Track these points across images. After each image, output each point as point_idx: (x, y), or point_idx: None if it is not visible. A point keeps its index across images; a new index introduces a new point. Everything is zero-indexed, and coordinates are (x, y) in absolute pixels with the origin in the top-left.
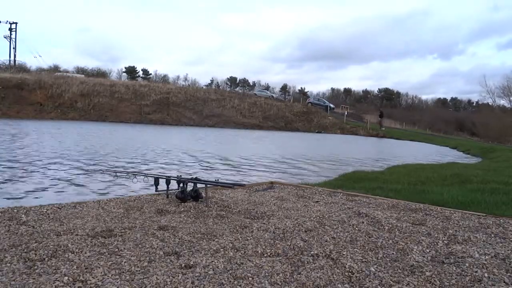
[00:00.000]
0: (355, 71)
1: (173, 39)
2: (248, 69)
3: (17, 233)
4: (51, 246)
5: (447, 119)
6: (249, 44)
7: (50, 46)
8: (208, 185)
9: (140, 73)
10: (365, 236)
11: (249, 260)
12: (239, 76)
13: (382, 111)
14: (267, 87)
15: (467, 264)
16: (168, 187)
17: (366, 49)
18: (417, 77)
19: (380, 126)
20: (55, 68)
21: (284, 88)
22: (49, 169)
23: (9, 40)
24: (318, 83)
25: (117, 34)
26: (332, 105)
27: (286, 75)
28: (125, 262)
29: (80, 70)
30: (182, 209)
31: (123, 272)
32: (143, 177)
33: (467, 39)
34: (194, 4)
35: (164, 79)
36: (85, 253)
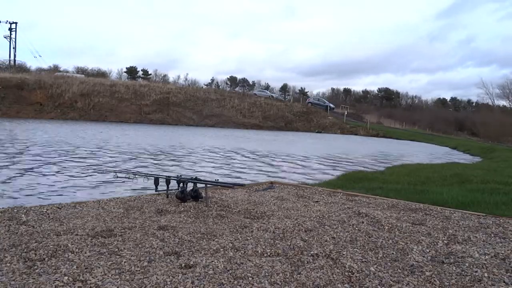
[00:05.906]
0: (366, 80)
1: (215, 49)
2: (275, 77)
3: (17, 233)
4: (51, 246)
5: (447, 119)
6: (285, 54)
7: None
8: (208, 185)
9: (140, 73)
10: (365, 236)
11: (249, 260)
12: (270, 83)
13: None
14: (267, 87)
15: (467, 264)
16: (168, 187)
17: (382, 62)
18: (415, 83)
19: None
20: (55, 68)
21: (284, 88)
22: (49, 168)
23: (9, 40)
24: (327, 87)
25: (172, 47)
26: (332, 105)
27: (302, 82)
28: (125, 262)
29: (80, 70)
30: (182, 209)
31: (123, 272)
32: (144, 177)
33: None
34: (235, 16)
35: (164, 79)
36: (85, 253)
